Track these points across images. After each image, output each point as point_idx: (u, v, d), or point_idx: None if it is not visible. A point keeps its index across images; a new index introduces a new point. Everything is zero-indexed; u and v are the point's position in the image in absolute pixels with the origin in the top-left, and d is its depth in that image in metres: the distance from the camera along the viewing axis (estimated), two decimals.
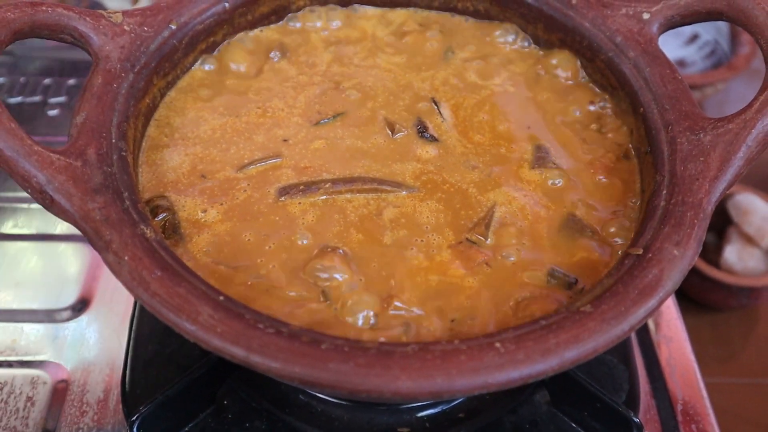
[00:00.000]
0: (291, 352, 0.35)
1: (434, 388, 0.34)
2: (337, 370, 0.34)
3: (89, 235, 0.39)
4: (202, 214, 0.46)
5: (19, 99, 0.75)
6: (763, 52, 0.44)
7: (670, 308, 0.60)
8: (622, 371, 0.54)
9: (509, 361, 0.35)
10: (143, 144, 0.49)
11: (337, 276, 0.43)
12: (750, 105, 0.44)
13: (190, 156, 0.49)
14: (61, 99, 0.76)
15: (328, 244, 0.44)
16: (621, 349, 0.55)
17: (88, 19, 0.47)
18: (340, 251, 0.44)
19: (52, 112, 0.74)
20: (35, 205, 0.66)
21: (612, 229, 0.46)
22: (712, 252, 0.89)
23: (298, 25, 0.59)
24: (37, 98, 0.76)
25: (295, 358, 0.35)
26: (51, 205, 0.40)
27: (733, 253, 0.83)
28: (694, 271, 0.82)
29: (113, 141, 0.43)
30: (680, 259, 0.39)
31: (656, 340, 0.58)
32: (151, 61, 0.49)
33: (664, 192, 0.43)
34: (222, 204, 0.46)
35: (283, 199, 0.47)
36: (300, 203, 0.47)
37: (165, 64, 0.51)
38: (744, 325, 0.84)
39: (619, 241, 0.45)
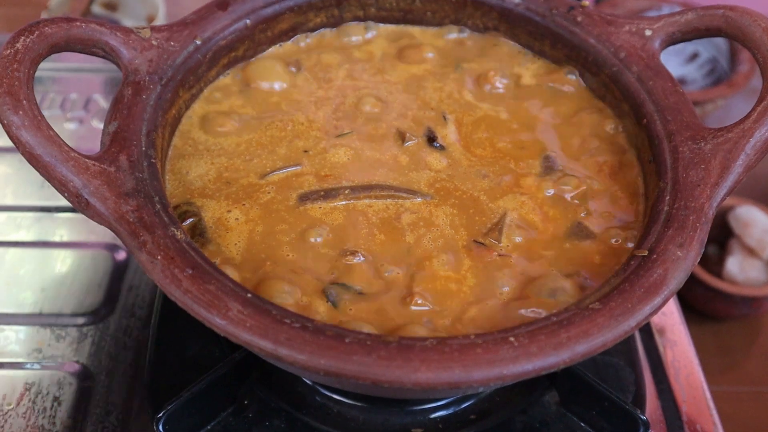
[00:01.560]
0: (317, 345, 0.37)
1: (452, 378, 0.36)
2: (361, 362, 0.36)
3: (123, 236, 0.41)
4: (228, 214, 0.48)
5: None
6: (760, 66, 0.46)
7: (674, 313, 0.62)
8: (628, 373, 0.55)
9: (523, 354, 0.37)
10: (169, 153, 0.52)
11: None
12: (748, 115, 0.46)
13: (216, 165, 0.51)
14: (81, 113, 0.79)
15: (348, 248, 0.47)
16: (627, 353, 0.56)
17: (118, 34, 0.49)
18: (360, 257, 0.46)
19: (70, 126, 0.77)
20: (61, 214, 0.68)
21: (617, 233, 0.48)
22: (714, 263, 0.91)
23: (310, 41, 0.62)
24: (58, 112, 0.79)
25: (320, 351, 0.37)
26: (86, 208, 0.42)
27: (735, 265, 0.84)
28: (697, 282, 0.83)
29: (143, 149, 0.46)
30: (683, 260, 0.42)
31: (661, 344, 0.60)
32: (177, 74, 0.51)
33: (668, 197, 0.45)
34: (245, 205, 0.49)
35: (304, 203, 0.49)
36: (321, 207, 0.49)
37: (190, 77, 0.53)
38: (747, 334, 0.85)
39: (619, 241, 0.47)
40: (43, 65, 0.82)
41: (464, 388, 0.38)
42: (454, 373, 0.36)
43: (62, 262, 0.64)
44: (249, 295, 0.39)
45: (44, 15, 0.95)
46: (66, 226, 0.67)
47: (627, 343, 0.57)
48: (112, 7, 0.98)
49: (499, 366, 0.36)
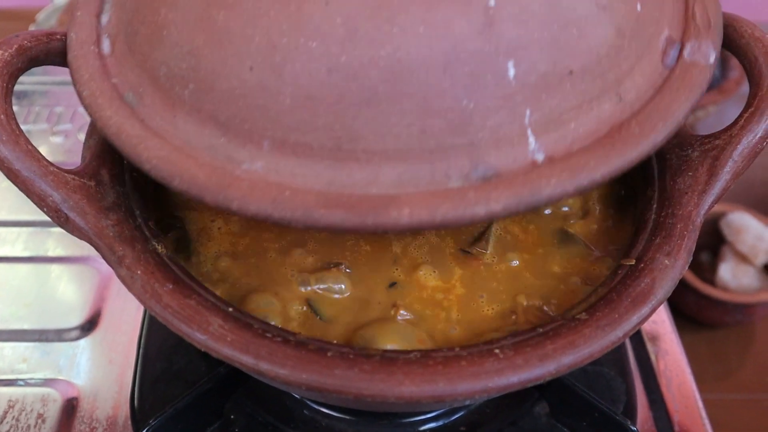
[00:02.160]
0: (298, 359, 0.36)
1: (437, 392, 0.35)
2: (343, 376, 0.36)
3: (103, 251, 0.41)
4: (211, 224, 0.48)
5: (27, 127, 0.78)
6: (747, 72, 0.46)
7: (665, 322, 0.62)
8: (619, 383, 0.55)
9: (508, 366, 0.36)
10: None
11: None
12: (735, 122, 0.45)
13: None
14: (68, 126, 0.78)
15: (331, 261, 0.46)
16: (618, 362, 0.56)
17: None
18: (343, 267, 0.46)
19: (56, 139, 0.77)
20: (42, 228, 0.68)
21: (603, 242, 0.47)
22: (707, 270, 0.91)
23: None
24: (44, 126, 0.78)
25: (302, 365, 0.36)
26: (66, 223, 0.42)
27: (727, 271, 0.84)
28: (690, 289, 0.83)
29: (125, 162, 0.45)
30: (671, 269, 0.41)
31: (652, 353, 0.60)
32: None
33: (655, 205, 0.45)
34: (228, 215, 0.48)
35: None
36: None
37: None
38: (741, 341, 0.85)
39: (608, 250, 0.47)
40: (29, 79, 0.83)
41: (449, 401, 0.37)
42: (438, 387, 0.35)
43: (48, 277, 0.64)
44: (230, 309, 0.39)
45: (32, 28, 0.95)
46: (55, 241, 0.67)
47: (618, 353, 0.56)
48: None
49: (484, 379, 0.35)
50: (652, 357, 0.59)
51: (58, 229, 0.66)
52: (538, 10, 0.36)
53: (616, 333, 0.38)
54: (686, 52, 0.41)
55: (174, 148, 0.38)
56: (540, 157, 0.36)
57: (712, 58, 0.41)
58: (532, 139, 0.36)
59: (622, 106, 0.38)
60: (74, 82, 0.42)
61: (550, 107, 0.36)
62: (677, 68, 0.40)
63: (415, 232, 0.47)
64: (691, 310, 0.85)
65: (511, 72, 0.35)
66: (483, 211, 0.34)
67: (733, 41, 0.47)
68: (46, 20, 0.96)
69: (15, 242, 0.67)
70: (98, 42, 0.44)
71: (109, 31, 0.44)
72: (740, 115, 0.45)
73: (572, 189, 0.35)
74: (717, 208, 0.88)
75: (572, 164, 0.35)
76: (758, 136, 0.43)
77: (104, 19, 0.45)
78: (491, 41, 0.35)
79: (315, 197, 0.35)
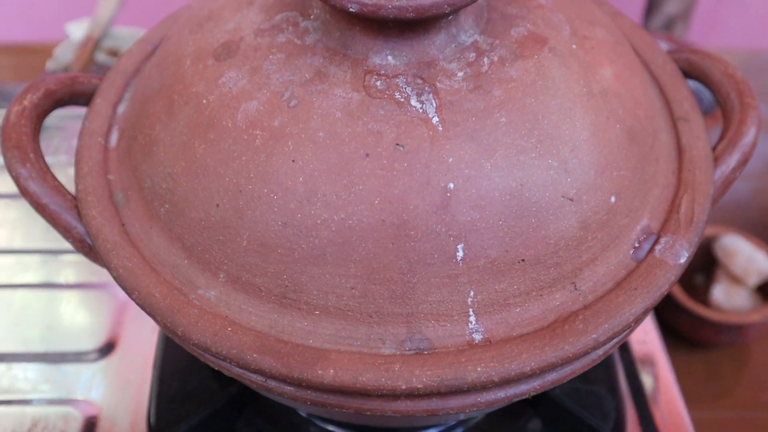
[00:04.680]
0: None
1: (430, 406, 0.38)
2: None
3: None
4: None
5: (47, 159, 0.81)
6: (720, 106, 0.49)
7: (655, 341, 0.64)
8: (609, 401, 0.58)
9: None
10: None
11: None
12: None
13: None
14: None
15: None
16: (608, 380, 0.59)
17: None
18: None
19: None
20: (66, 256, 0.71)
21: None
22: (701, 292, 0.93)
23: None
24: (63, 158, 0.82)
25: None
26: (89, 252, 0.45)
27: (721, 293, 0.87)
28: (684, 310, 0.85)
29: None
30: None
31: (641, 371, 0.62)
32: None
33: None
34: None
35: None
36: None
37: None
38: (735, 361, 0.87)
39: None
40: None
41: (442, 415, 0.40)
42: (432, 401, 0.38)
43: (67, 302, 0.67)
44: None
45: (49, 63, 0.99)
46: (71, 268, 0.70)
47: (608, 371, 0.59)
48: (114, 53, 1.02)
49: (474, 394, 0.38)
50: (641, 375, 0.62)
51: (73, 257, 0.70)
52: (497, 197, 0.36)
53: (597, 351, 0.41)
54: (658, 248, 0.41)
55: (143, 260, 0.41)
56: (478, 337, 0.37)
57: (683, 259, 0.40)
58: (473, 318, 0.37)
59: (575, 296, 0.38)
60: (74, 173, 0.46)
61: (496, 290, 0.37)
62: (643, 264, 0.40)
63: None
64: (686, 331, 0.87)
65: (460, 254, 0.36)
66: (404, 386, 0.35)
67: (708, 77, 0.50)
68: (63, 55, 1.00)
69: (36, 269, 0.70)
70: (108, 133, 0.47)
71: (120, 124, 0.47)
72: (714, 147, 0.48)
73: (498, 378, 0.36)
74: (710, 231, 0.91)
75: (504, 352, 0.36)
76: (731, 167, 0.46)
77: (120, 109, 0.48)
78: (444, 222, 0.36)
79: (253, 339, 0.37)
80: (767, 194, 1.01)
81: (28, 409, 0.59)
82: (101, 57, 1.00)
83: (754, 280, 0.86)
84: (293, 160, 0.37)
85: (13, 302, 0.68)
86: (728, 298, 0.88)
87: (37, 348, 0.64)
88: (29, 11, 1.38)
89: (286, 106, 0.38)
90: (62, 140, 0.84)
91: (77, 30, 1.01)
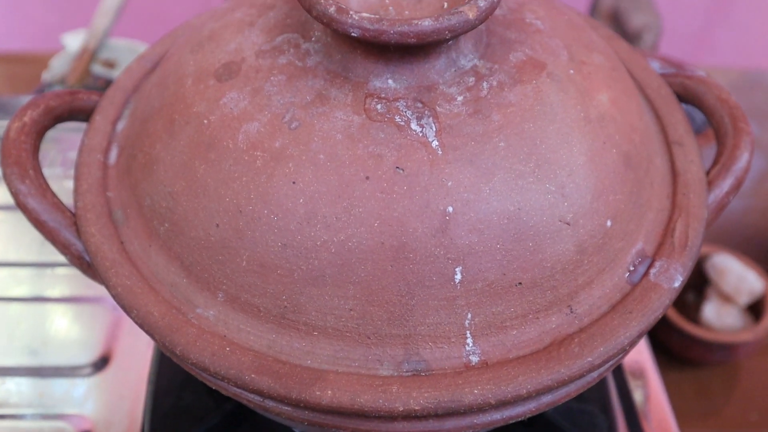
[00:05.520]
0: None
1: (426, 427, 0.38)
2: None
3: None
4: None
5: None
6: (714, 130, 0.50)
7: (647, 360, 0.65)
8: (602, 420, 0.58)
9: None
10: None
11: None
12: None
13: None
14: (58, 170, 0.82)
15: None
16: (601, 399, 0.59)
17: None
18: None
19: (69, 183, 0.80)
20: (59, 270, 0.71)
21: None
22: (692, 310, 0.93)
23: None
24: (58, 170, 0.82)
25: None
26: (87, 269, 0.45)
27: (712, 311, 0.87)
28: (675, 329, 0.86)
29: None
30: None
31: (633, 389, 0.63)
32: None
33: None
34: None
35: None
36: None
37: None
38: (726, 379, 0.88)
39: None
40: None
41: None
42: (428, 423, 0.38)
43: (61, 315, 0.67)
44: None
45: (45, 74, 0.99)
46: (65, 282, 0.70)
47: (601, 390, 0.60)
48: (111, 65, 1.02)
49: (470, 415, 0.39)
50: (633, 393, 0.62)
51: (67, 271, 0.70)
52: (496, 221, 0.37)
53: (592, 374, 0.41)
54: (653, 272, 0.41)
55: (141, 278, 0.41)
56: (475, 359, 0.37)
57: (677, 282, 0.41)
58: (470, 341, 0.38)
59: (571, 319, 0.39)
60: (74, 190, 0.46)
61: (493, 313, 0.38)
62: (638, 288, 0.40)
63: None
64: (677, 349, 0.87)
65: (458, 277, 0.37)
66: (401, 407, 0.36)
67: (702, 102, 0.51)
68: (59, 66, 1.00)
69: (30, 283, 0.70)
70: (107, 150, 0.47)
71: (119, 141, 0.47)
72: (708, 171, 0.48)
73: (494, 401, 0.36)
74: (702, 249, 0.91)
75: (501, 375, 0.37)
76: (724, 191, 0.47)
77: (119, 126, 0.48)
78: (442, 246, 0.36)
79: (251, 359, 0.37)
80: (759, 213, 1.02)
81: (22, 424, 0.59)
82: (98, 68, 1.00)
83: (744, 299, 0.87)
84: (294, 182, 0.37)
85: (7, 316, 0.67)
86: (719, 316, 0.88)
87: (31, 362, 0.64)
88: (26, 21, 1.38)
89: (287, 128, 0.38)
90: (59, 152, 0.84)
91: (74, 41, 1.02)
